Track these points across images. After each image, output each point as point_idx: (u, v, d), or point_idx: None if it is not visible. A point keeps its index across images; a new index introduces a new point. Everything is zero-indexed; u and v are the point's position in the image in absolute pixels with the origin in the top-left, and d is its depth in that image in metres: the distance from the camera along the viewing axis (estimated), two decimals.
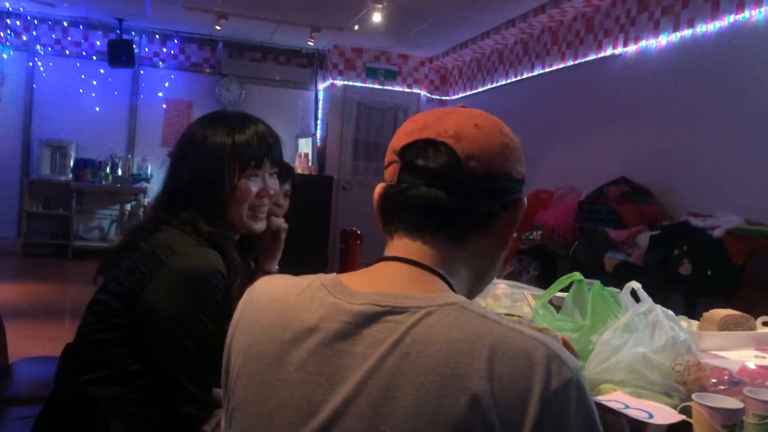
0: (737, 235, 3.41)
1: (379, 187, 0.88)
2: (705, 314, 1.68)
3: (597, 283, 1.50)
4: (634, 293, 1.38)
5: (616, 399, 1.18)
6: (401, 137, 0.87)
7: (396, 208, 0.86)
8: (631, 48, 4.94)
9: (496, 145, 0.85)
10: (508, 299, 2.40)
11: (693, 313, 3.54)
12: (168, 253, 1.35)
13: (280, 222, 1.95)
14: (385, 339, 0.75)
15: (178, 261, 1.34)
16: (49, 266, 7.24)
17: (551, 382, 0.69)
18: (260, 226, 1.58)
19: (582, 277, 1.56)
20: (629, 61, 4.98)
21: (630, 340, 1.27)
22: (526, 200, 0.89)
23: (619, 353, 1.29)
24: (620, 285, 3.90)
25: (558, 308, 1.69)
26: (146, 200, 7.90)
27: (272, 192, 1.56)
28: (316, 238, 7.36)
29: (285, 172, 2.52)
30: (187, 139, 1.54)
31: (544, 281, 5.18)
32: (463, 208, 0.83)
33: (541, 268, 5.17)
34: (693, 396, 1.14)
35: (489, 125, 0.87)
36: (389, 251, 0.86)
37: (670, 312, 1.32)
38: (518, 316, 2.12)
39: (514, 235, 0.94)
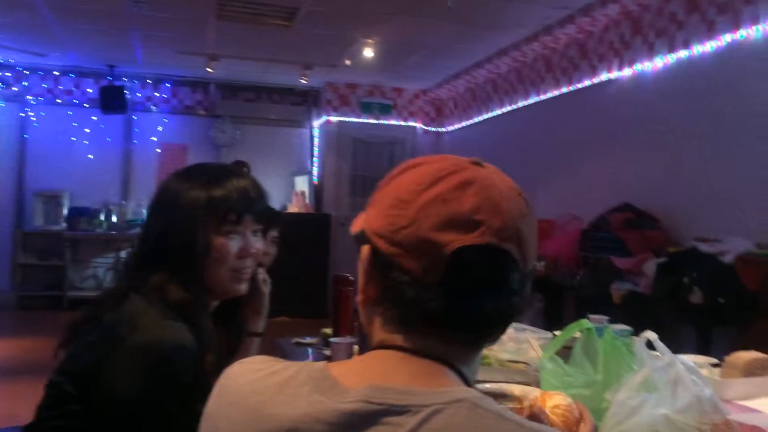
0: (749, 261, 3.27)
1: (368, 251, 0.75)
2: (728, 358, 1.53)
3: (608, 331, 1.37)
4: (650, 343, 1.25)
5: None
6: (442, 225, 0.70)
7: (426, 312, 0.71)
8: (627, 72, 4.86)
9: (534, 243, 0.79)
10: (512, 342, 2.26)
11: (707, 344, 3.39)
12: (128, 327, 1.21)
13: (260, 274, 1.81)
14: None
15: (138, 337, 1.19)
16: (44, 319, 7.08)
17: None
18: (243, 287, 1.44)
19: (591, 325, 1.42)
20: (625, 85, 4.89)
21: (649, 400, 1.13)
22: None
23: (637, 414, 1.15)
24: (629, 316, 3.75)
25: (565, 357, 1.55)
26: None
27: (254, 251, 1.42)
28: (315, 278, 7.22)
29: (272, 217, 2.40)
30: (161, 193, 1.42)
31: (549, 313, 5.03)
32: (517, 311, 0.74)
33: (546, 300, 5.02)
34: None
35: (529, 211, 0.78)
36: (384, 331, 0.73)
37: (691, 364, 1.18)
38: (524, 363, 1.98)
39: None
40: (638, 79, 4.74)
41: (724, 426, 1.14)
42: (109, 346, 1.20)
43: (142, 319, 1.23)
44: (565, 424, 0.99)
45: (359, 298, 0.76)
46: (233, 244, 1.38)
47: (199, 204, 1.35)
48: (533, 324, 4.37)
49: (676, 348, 1.25)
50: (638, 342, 1.23)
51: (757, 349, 3.06)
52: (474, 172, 0.73)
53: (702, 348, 3.29)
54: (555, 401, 1.03)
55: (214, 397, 0.76)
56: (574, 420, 1.01)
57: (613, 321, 2.59)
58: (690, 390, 1.10)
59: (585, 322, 1.42)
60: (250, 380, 0.73)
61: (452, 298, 0.69)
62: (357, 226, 0.79)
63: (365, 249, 0.74)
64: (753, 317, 3.22)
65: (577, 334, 1.47)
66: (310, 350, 2.32)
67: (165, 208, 1.38)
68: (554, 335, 2.29)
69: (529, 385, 1.75)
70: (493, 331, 0.73)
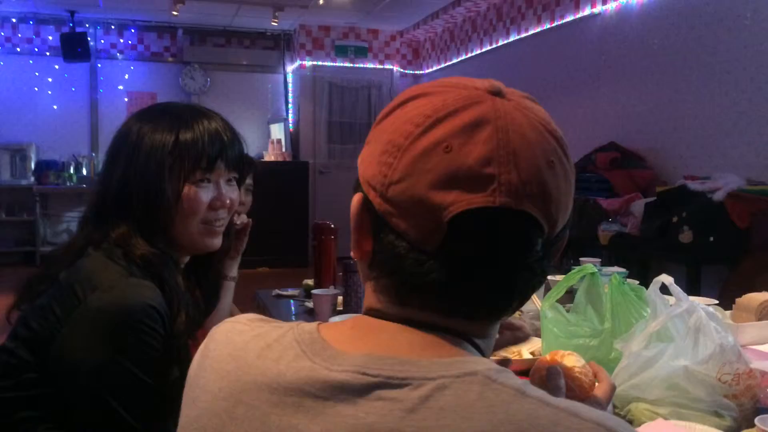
0: (740, 197, 3.19)
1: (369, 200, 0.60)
2: (739, 300, 1.44)
3: (615, 275, 1.25)
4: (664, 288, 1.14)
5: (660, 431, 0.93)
6: (443, 182, 0.55)
7: (425, 281, 0.58)
8: (611, 5, 4.68)
9: (572, 186, 0.66)
10: None
11: (697, 284, 3.34)
12: (87, 287, 1.06)
13: (244, 218, 1.69)
14: (366, 420, 0.51)
15: (98, 298, 1.04)
16: (16, 275, 6.88)
17: None
18: (217, 242, 1.28)
19: (595, 269, 1.31)
20: (610, 20, 4.72)
21: (667, 351, 1.03)
22: None
23: (653, 367, 1.05)
24: (617, 258, 3.68)
25: (563, 303, 1.45)
26: None
27: (229, 202, 1.27)
28: (295, 228, 7.10)
29: (246, 165, 2.24)
30: (120, 136, 1.25)
31: None
32: (540, 276, 0.62)
33: None
34: (756, 421, 0.90)
35: (561, 153, 0.65)
36: (377, 301, 0.61)
37: (711, 309, 1.07)
38: (519, 311, 1.89)
39: None
40: (623, 13, 4.57)
41: (747, 375, 1.05)
42: (65, 309, 1.06)
43: (102, 277, 1.08)
44: (581, 390, 0.87)
45: (354, 254, 0.62)
46: (204, 194, 1.23)
47: (166, 148, 1.19)
48: None
49: (666, 288, 1.16)
50: (651, 287, 1.12)
51: (747, 286, 3.02)
52: (490, 106, 0.57)
53: (692, 287, 3.24)
54: (569, 363, 0.91)
55: (196, 361, 0.66)
56: (589, 384, 0.89)
57: (603, 263, 2.51)
58: (713, 338, 1.00)
59: (589, 267, 1.31)
60: (230, 342, 0.63)
61: (455, 269, 0.55)
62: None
63: (356, 198, 0.61)
64: (743, 255, 3.16)
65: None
66: (291, 302, 2.21)
67: (126, 154, 1.21)
68: (547, 279, 2.20)
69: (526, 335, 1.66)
70: (508, 305, 0.59)
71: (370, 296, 0.62)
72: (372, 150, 0.60)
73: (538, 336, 1.54)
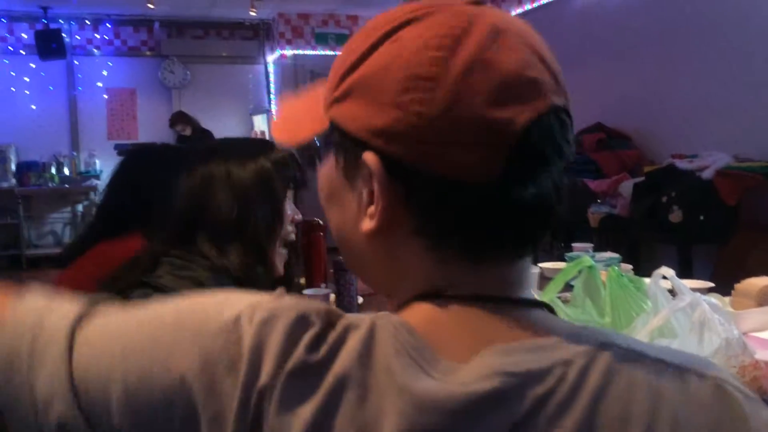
0: (728, 175, 3.19)
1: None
2: (738, 286, 1.42)
3: (613, 268, 1.23)
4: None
5: None
6: (497, 97, 0.49)
7: (488, 221, 0.50)
8: None
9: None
10: None
11: (688, 263, 3.34)
12: None
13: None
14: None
15: None
16: (4, 279, 6.82)
17: None
18: (281, 268, 1.35)
19: (593, 262, 1.28)
20: (590, 0, 4.68)
21: (671, 346, 1.00)
22: None
23: None
24: (607, 239, 3.67)
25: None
26: (98, 198, 7.46)
27: (298, 217, 1.39)
28: None
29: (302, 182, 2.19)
30: (195, 182, 1.26)
31: None
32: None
33: None
34: None
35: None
36: (433, 277, 0.53)
37: (714, 301, 1.05)
38: None
39: None
40: None
41: (752, 367, 1.03)
42: None
43: None
44: None
45: (371, 226, 0.53)
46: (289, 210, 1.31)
47: (268, 171, 1.26)
48: None
49: (656, 268, 1.14)
50: (652, 280, 1.09)
51: (738, 264, 3.02)
52: (484, 15, 0.52)
53: (683, 267, 3.24)
54: None
55: None
56: None
57: (594, 247, 2.49)
58: (718, 332, 0.97)
59: (586, 260, 1.28)
60: None
61: (517, 192, 0.50)
62: (308, 127, 0.58)
63: (373, 161, 0.51)
64: (733, 233, 3.16)
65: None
66: None
67: (221, 182, 1.23)
68: (540, 268, 2.18)
69: None
70: (547, 218, 0.53)
71: (429, 274, 0.53)
72: (367, 96, 0.51)
73: None
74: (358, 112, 0.52)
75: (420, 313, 0.52)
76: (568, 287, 1.41)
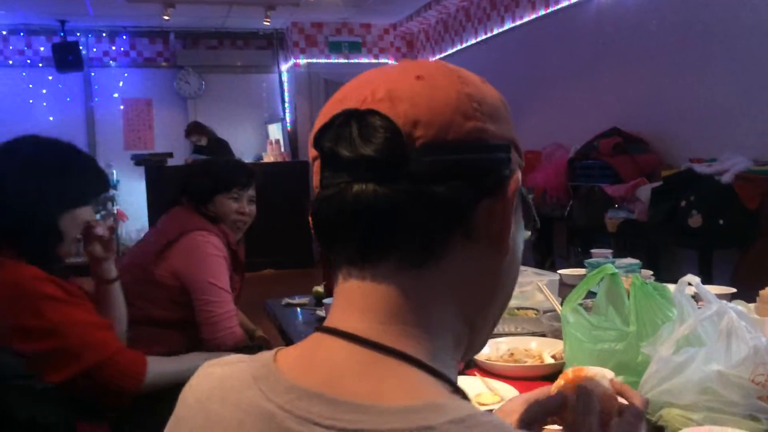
0: (748, 179, 3.15)
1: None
2: (762, 292, 1.40)
3: (636, 276, 1.22)
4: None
5: None
6: (320, 118, 0.57)
7: (327, 225, 0.55)
8: None
9: (452, 98, 0.54)
10: (515, 287, 2.13)
11: (709, 268, 3.30)
12: None
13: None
14: None
15: None
16: None
17: None
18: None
19: (615, 269, 1.27)
20: (606, 4, 4.66)
21: (698, 356, 0.99)
22: (519, 176, 0.58)
23: (684, 372, 1.01)
24: (625, 244, 3.64)
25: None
26: (115, 208, 7.52)
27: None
28: (297, 228, 7.04)
29: (248, 176, 2.23)
30: None
31: (539, 247, 4.94)
32: (416, 204, 0.52)
33: (536, 233, 4.91)
34: None
35: (439, 73, 0.56)
36: (333, 311, 0.57)
37: (740, 308, 1.04)
38: (534, 310, 1.85)
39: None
40: None
41: None
42: None
43: None
44: (610, 413, 0.79)
45: (505, 251, 0.58)
46: None
47: None
48: (523, 259, 4.28)
49: (676, 274, 1.13)
50: (677, 288, 1.08)
51: (759, 268, 2.98)
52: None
53: (704, 272, 3.21)
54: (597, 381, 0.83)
55: (176, 409, 0.61)
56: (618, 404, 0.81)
57: (611, 252, 2.47)
58: (746, 341, 0.96)
59: (609, 267, 1.27)
60: (202, 388, 0.59)
61: (334, 194, 0.55)
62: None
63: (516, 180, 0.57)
64: (754, 237, 3.13)
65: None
66: (299, 311, 2.17)
67: None
68: (559, 274, 2.17)
69: (543, 335, 1.62)
70: (404, 227, 0.55)
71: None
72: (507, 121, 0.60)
73: (557, 338, 1.51)
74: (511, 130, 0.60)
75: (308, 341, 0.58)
76: (589, 294, 1.40)
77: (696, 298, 1.17)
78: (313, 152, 0.56)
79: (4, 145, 1.52)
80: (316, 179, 0.56)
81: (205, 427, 0.55)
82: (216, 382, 0.57)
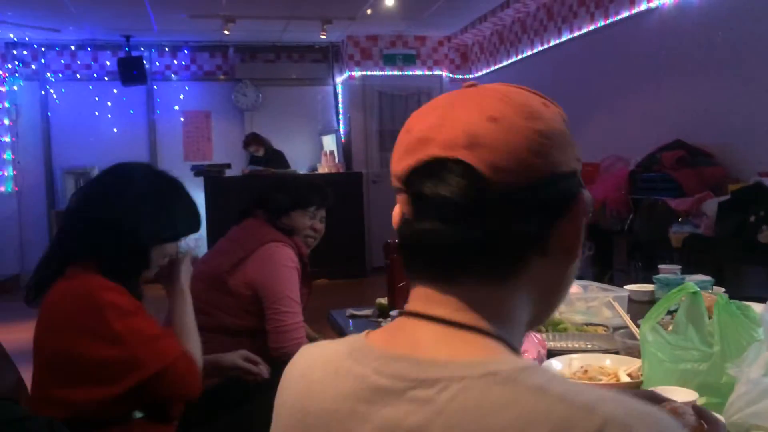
0: None
1: (396, 212, 0.66)
2: None
3: (721, 295, 1.19)
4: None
5: None
6: (401, 155, 0.65)
7: (411, 249, 0.65)
8: None
9: (527, 140, 0.61)
10: (581, 302, 2.10)
11: None
12: None
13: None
14: (406, 421, 0.56)
15: None
16: None
17: None
18: None
19: (697, 288, 1.25)
20: (668, 14, 4.58)
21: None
22: (587, 194, 0.66)
23: None
24: (691, 260, 3.55)
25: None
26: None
27: None
28: (351, 239, 7.11)
29: (324, 198, 2.32)
30: None
31: (598, 261, 4.85)
32: (499, 239, 0.61)
33: (595, 247, 4.83)
34: None
35: (510, 113, 0.62)
36: (412, 302, 0.66)
37: None
38: (603, 326, 1.82)
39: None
40: (683, 6, 4.42)
41: None
42: None
43: None
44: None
45: (575, 257, 0.67)
46: None
47: None
48: (582, 272, 4.20)
49: (743, 291, 1.10)
50: (766, 308, 1.06)
51: None
52: (447, 96, 0.69)
53: None
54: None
55: (280, 384, 0.73)
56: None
57: (680, 268, 2.42)
58: None
59: (690, 285, 1.25)
60: (304, 362, 0.70)
61: (422, 228, 0.64)
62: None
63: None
64: None
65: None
66: (363, 322, 2.19)
67: None
68: (626, 289, 2.13)
69: (616, 352, 1.60)
70: (486, 258, 0.63)
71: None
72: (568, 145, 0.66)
73: (630, 355, 1.48)
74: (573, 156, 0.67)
75: (393, 323, 0.67)
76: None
77: None
78: (398, 185, 0.65)
79: (121, 168, 1.62)
80: (402, 210, 0.64)
81: (307, 392, 0.65)
82: (316, 357, 0.68)
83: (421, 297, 0.64)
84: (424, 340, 0.61)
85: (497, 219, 0.60)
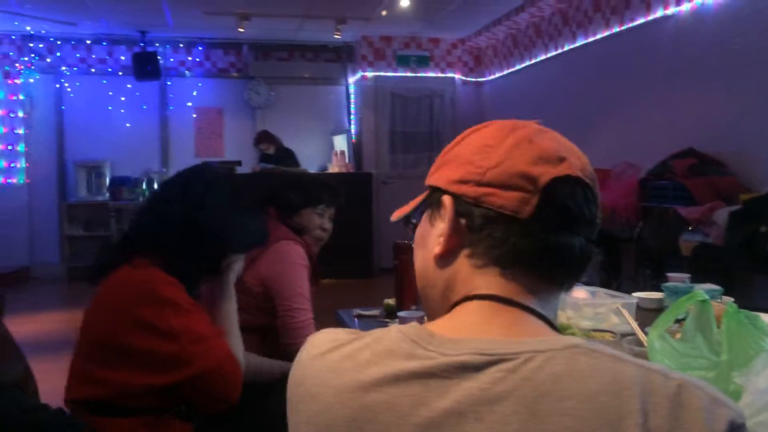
0: None
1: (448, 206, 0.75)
2: None
3: (730, 304, 1.19)
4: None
5: None
6: (534, 161, 0.71)
7: (521, 248, 0.71)
8: (686, 6, 4.52)
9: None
10: (589, 308, 2.09)
11: None
12: None
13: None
14: (492, 389, 0.61)
15: None
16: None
17: (716, 428, 0.58)
18: None
19: (706, 296, 1.24)
20: (684, 21, 4.56)
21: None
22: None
23: None
24: (700, 269, 3.54)
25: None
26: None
27: None
28: (359, 238, 7.12)
29: (334, 196, 2.33)
30: None
31: (607, 267, 4.83)
32: (593, 252, 0.74)
33: (603, 253, 4.82)
34: None
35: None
36: (471, 281, 0.72)
37: None
38: (610, 332, 1.82)
39: None
40: (699, 14, 4.40)
41: None
42: None
43: None
44: None
45: (438, 250, 0.74)
46: None
47: None
48: (590, 279, 4.18)
49: (751, 301, 1.09)
50: None
51: None
52: (538, 126, 0.76)
53: None
54: None
55: (300, 366, 0.74)
56: None
57: (689, 276, 2.40)
58: None
59: (699, 294, 1.24)
60: (335, 342, 0.71)
61: (545, 233, 0.70)
62: (411, 204, 0.82)
63: (448, 200, 0.73)
64: None
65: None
66: (371, 322, 2.19)
67: None
68: (636, 299, 2.12)
69: None
70: (579, 269, 0.74)
71: (463, 283, 0.73)
72: (455, 163, 0.75)
73: None
74: (445, 173, 0.75)
75: (453, 312, 0.72)
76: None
77: None
78: (522, 184, 0.70)
79: (203, 173, 1.66)
80: (517, 206, 0.70)
81: (360, 371, 0.67)
82: (351, 341, 0.71)
83: (485, 281, 0.72)
84: (480, 319, 0.69)
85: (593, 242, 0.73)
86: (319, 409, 0.67)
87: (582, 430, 0.58)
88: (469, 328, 0.68)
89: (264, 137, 7.38)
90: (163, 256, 1.52)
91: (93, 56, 7.83)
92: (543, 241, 0.69)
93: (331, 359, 0.69)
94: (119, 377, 1.43)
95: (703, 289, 2.09)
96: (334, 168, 7.62)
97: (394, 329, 0.69)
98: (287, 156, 7.37)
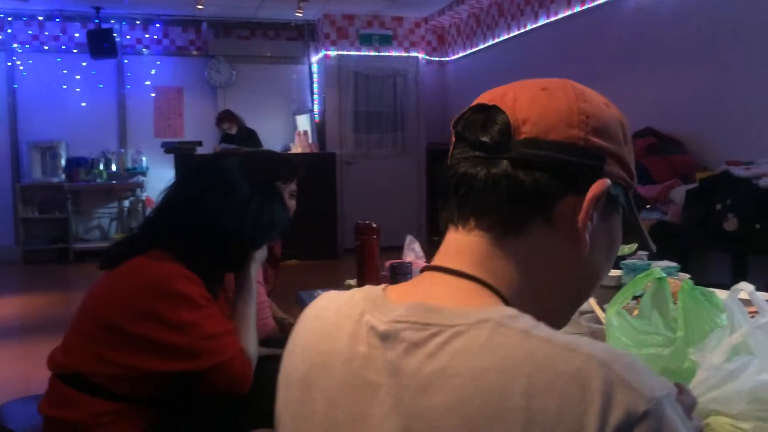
0: None
1: None
2: None
3: (686, 281, 1.20)
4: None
5: None
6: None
7: (444, 187, 0.71)
8: None
9: (563, 108, 0.67)
10: None
11: (743, 273, 3.25)
12: None
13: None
14: (397, 364, 0.61)
15: None
16: (51, 273, 6.99)
17: (610, 417, 0.51)
18: None
19: (663, 274, 1.26)
20: (644, 2, 4.60)
21: (751, 365, 0.98)
22: (605, 183, 0.66)
23: (736, 380, 1.00)
24: (658, 247, 3.60)
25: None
26: (144, 194, 7.61)
27: None
28: (323, 219, 7.08)
29: (291, 171, 2.27)
30: None
31: None
32: (509, 185, 0.65)
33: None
34: None
35: (561, 87, 0.69)
36: (440, 249, 0.71)
37: None
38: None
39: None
40: None
41: None
42: None
43: None
44: None
45: (584, 246, 0.68)
46: None
47: None
48: None
49: (707, 277, 1.12)
50: (729, 296, 1.07)
51: None
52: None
53: (737, 277, 3.16)
54: None
55: (296, 326, 0.76)
56: None
57: (646, 254, 2.44)
58: None
59: (656, 271, 1.26)
60: (319, 306, 0.73)
61: (454, 166, 0.70)
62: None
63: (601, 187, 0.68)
64: None
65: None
66: None
67: None
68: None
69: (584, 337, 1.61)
70: (497, 201, 0.68)
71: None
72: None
73: (598, 340, 1.49)
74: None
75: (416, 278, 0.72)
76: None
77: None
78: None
79: (221, 166, 1.62)
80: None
81: (322, 332, 0.69)
82: (333, 300, 0.72)
83: (443, 249, 0.70)
84: (436, 292, 0.65)
85: (512, 165, 0.65)
86: (291, 366, 0.72)
87: (460, 409, 0.55)
88: (414, 293, 0.67)
89: (226, 117, 7.27)
90: (182, 253, 1.50)
91: (46, 33, 7.59)
92: (452, 176, 0.70)
93: (308, 319, 0.73)
94: (120, 358, 1.41)
95: (660, 266, 2.13)
96: (297, 148, 7.54)
97: (359, 294, 0.70)
98: (249, 136, 7.27)
